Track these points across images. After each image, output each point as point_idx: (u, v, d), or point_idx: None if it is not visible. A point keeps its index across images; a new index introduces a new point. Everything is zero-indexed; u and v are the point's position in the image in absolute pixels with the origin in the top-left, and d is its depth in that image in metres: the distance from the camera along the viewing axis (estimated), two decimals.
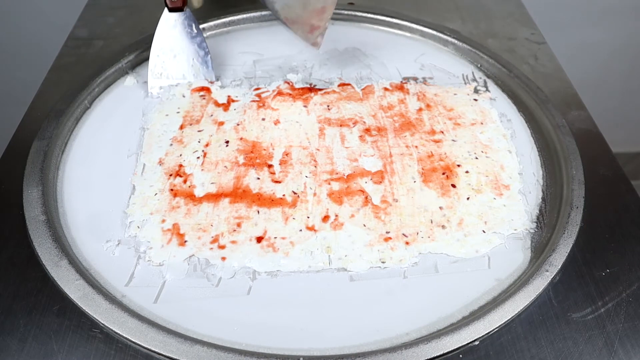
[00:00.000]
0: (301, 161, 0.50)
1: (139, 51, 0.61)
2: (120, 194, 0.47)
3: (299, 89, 0.59)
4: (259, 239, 0.44)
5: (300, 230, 0.45)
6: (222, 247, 0.43)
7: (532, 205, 0.47)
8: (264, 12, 0.69)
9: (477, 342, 0.37)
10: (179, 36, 0.57)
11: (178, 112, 0.56)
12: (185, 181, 0.48)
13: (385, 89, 0.59)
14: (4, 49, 1.02)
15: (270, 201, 0.47)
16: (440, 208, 0.47)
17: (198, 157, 0.51)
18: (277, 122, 0.55)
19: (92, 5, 0.72)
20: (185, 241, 0.44)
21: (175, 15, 0.56)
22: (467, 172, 0.50)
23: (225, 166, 0.50)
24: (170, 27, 0.57)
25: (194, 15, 0.57)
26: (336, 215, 0.46)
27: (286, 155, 0.51)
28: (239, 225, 0.45)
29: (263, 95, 0.58)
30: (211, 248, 0.43)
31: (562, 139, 0.52)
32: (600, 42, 1.09)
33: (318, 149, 0.52)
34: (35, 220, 0.43)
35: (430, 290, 0.41)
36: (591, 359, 0.37)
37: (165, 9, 0.56)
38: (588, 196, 0.47)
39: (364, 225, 0.45)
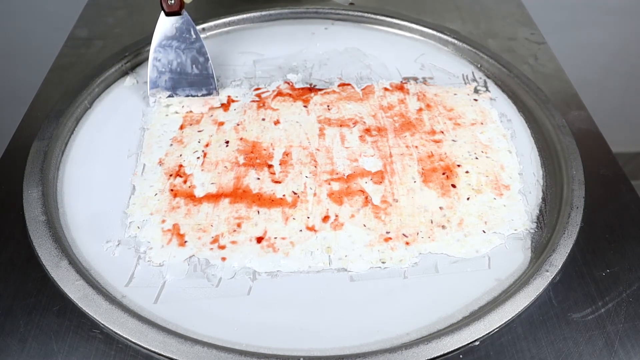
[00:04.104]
0: (301, 161, 0.50)
1: (139, 51, 0.61)
2: (120, 194, 0.47)
3: (299, 89, 0.59)
4: (259, 239, 0.44)
5: (301, 230, 0.45)
6: (222, 247, 0.43)
7: (532, 206, 0.47)
8: (263, 12, 0.69)
9: (477, 343, 0.37)
10: (177, 43, 0.55)
11: (178, 113, 0.55)
12: (185, 181, 0.48)
13: (385, 89, 0.59)
14: (4, 49, 1.02)
15: (271, 201, 0.47)
16: (441, 208, 0.47)
17: (198, 157, 0.51)
18: (277, 122, 0.55)
19: (92, 5, 0.72)
20: (186, 241, 0.44)
21: (172, 20, 0.54)
22: (467, 172, 0.50)
23: (225, 166, 0.50)
24: (168, 34, 0.54)
25: (191, 18, 0.55)
26: (336, 216, 0.46)
27: (286, 155, 0.51)
28: (239, 225, 0.45)
29: (263, 96, 0.58)
30: (211, 248, 0.43)
31: (562, 139, 0.52)
32: (600, 42, 1.09)
33: (318, 149, 0.52)
34: (35, 220, 0.43)
35: (431, 290, 0.41)
36: (591, 359, 0.37)
37: (162, 13, 0.54)
38: (588, 196, 0.47)
39: (364, 226, 0.45)
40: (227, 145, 0.52)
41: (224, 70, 0.61)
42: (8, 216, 0.45)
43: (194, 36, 0.55)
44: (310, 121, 0.55)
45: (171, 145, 0.52)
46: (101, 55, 0.62)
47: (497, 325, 0.38)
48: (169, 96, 0.56)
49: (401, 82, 0.60)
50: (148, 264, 0.42)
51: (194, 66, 0.56)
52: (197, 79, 0.56)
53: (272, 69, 0.62)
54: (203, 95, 0.56)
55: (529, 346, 0.38)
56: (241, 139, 0.53)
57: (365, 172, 0.50)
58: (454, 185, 0.49)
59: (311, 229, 0.45)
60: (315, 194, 0.48)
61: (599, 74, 1.14)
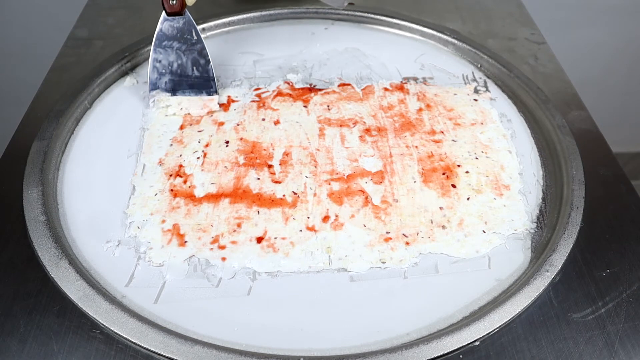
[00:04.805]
0: (301, 161, 0.50)
1: (139, 51, 0.61)
2: (120, 194, 0.47)
3: (299, 89, 0.59)
4: (259, 240, 0.44)
5: (301, 230, 0.45)
6: (222, 247, 0.43)
7: (532, 206, 0.47)
8: (263, 12, 0.69)
9: (477, 343, 0.37)
10: (178, 44, 0.54)
11: (176, 115, 0.55)
12: (185, 181, 0.48)
13: (385, 89, 0.59)
14: (4, 49, 1.01)
15: (271, 201, 0.47)
16: (441, 208, 0.47)
17: (198, 158, 0.51)
18: (277, 122, 0.55)
19: (92, 5, 0.72)
20: (186, 241, 0.44)
21: (174, 20, 0.53)
22: (467, 172, 0.50)
23: (225, 166, 0.50)
24: (168, 35, 0.54)
25: (193, 19, 0.54)
26: (336, 216, 0.46)
27: (286, 155, 0.51)
28: (239, 225, 0.45)
29: (263, 96, 0.58)
30: (211, 248, 0.43)
31: (562, 139, 0.52)
32: (601, 42, 1.09)
33: (318, 149, 0.52)
34: (35, 220, 0.43)
35: (431, 290, 0.41)
36: (591, 359, 0.37)
37: (163, 13, 0.53)
38: (588, 196, 0.47)
39: (364, 226, 0.45)
40: (227, 145, 0.52)
41: (224, 70, 0.61)
42: (8, 216, 0.45)
43: (195, 37, 0.54)
44: (310, 121, 0.55)
45: (171, 145, 0.52)
46: (101, 55, 0.62)
47: (497, 326, 0.38)
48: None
49: (401, 82, 0.60)
50: (148, 264, 0.42)
51: (194, 68, 0.55)
52: (197, 81, 0.56)
53: (272, 69, 0.62)
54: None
55: (529, 346, 0.38)
56: (241, 139, 0.53)
57: (365, 172, 0.50)
58: (454, 186, 0.49)
59: (311, 229, 0.45)
60: (315, 194, 0.48)
61: (599, 74, 1.14)
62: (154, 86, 0.55)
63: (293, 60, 0.63)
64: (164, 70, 0.55)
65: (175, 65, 0.55)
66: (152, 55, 0.54)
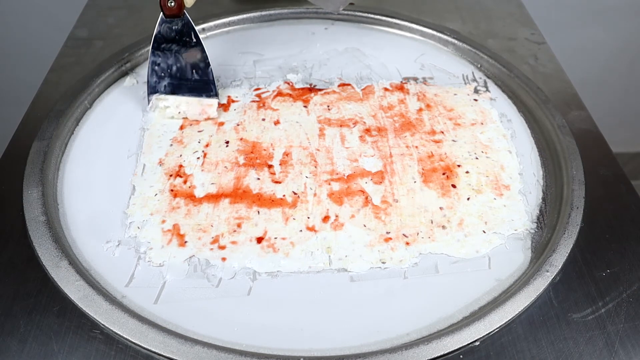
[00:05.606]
0: (301, 161, 0.50)
1: (139, 51, 0.61)
2: (120, 194, 0.47)
3: (299, 89, 0.59)
4: (259, 240, 0.44)
5: (301, 230, 0.45)
6: (222, 247, 0.43)
7: (532, 206, 0.47)
8: (263, 12, 0.69)
9: (477, 343, 0.37)
10: (177, 47, 0.54)
11: (174, 117, 0.55)
12: (185, 182, 0.48)
13: (385, 89, 0.59)
14: (4, 49, 1.02)
15: (271, 201, 0.47)
16: (441, 208, 0.47)
17: (198, 158, 0.51)
18: (277, 123, 0.55)
19: (92, 6, 0.72)
20: (186, 242, 0.44)
21: (172, 22, 0.52)
22: (467, 172, 0.50)
23: (225, 166, 0.50)
24: (167, 37, 0.53)
25: (192, 21, 0.53)
26: (336, 216, 0.46)
27: (286, 155, 0.51)
28: (239, 225, 0.45)
29: (263, 96, 0.58)
30: (211, 249, 0.43)
31: (562, 139, 0.52)
32: (600, 42, 1.09)
33: (318, 149, 0.52)
34: (35, 220, 0.43)
35: (431, 290, 0.41)
36: (592, 359, 0.37)
37: (161, 15, 0.52)
38: (588, 196, 0.47)
39: (364, 226, 0.45)
40: (227, 146, 0.52)
41: (224, 71, 0.61)
42: (8, 216, 0.45)
43: (194, 40, 0.54)
44: (310, 121, 0.55)
45: (171, 145, 0.52)
46: (101, 55, 0.62)
47: (498, 326, 0.38)
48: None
49: (401, 82, 0.60)
50: (148, 264, 0.42)
51: (194, 71, 0.55)
52: (197, 84, 0.55)
53: (272, 69, 0.62)
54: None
55: (529, 346, 0.38)
56: (241, 139, 0.53)
57: (366, 172, 0.50)
58: (454, 186, 0.49)
59: (311, 229, 0.45)
60: (315, 194, 0.48)
61: (599, 74, 1.14)
62: (152, 90, 0.55)
63: (293, 60, 0.63)
64: (162, 74, 0.55)
65: (174, 68, 0.54)
66: (150, 58, 0.54)
